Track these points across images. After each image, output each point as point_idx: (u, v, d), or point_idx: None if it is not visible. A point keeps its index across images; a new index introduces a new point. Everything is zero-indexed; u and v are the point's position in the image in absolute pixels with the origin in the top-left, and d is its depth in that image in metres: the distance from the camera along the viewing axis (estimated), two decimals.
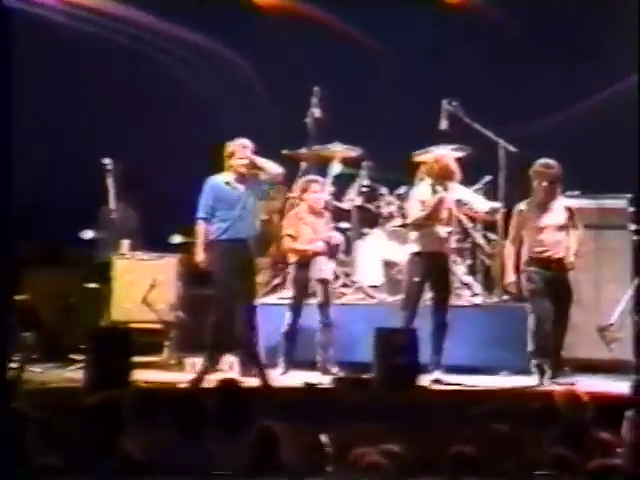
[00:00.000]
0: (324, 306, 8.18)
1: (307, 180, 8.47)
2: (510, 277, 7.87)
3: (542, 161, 7.87)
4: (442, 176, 7.95)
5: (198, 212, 7.80)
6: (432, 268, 7.91)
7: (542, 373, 7.71)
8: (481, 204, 8.19)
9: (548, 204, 7.88)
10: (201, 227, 7.78)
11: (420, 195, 8.02)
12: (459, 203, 8.08)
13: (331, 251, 8.34)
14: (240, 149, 7.78)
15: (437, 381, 7.77)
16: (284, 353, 8.15)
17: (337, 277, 8.79)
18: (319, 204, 8.32)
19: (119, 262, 8.87)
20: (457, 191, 8.06)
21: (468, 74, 9.85)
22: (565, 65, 9.90)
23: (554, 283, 7.79)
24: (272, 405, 6.49)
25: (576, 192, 8.61)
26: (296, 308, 8.19)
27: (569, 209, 7.96)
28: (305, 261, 8.21)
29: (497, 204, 8.40)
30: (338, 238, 8.53)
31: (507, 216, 8.78)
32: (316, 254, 8.20)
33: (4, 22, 7.44)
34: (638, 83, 9.21)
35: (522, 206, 7.94)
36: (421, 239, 7.95)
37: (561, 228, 7.87)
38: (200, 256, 7.76)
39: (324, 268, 8.21)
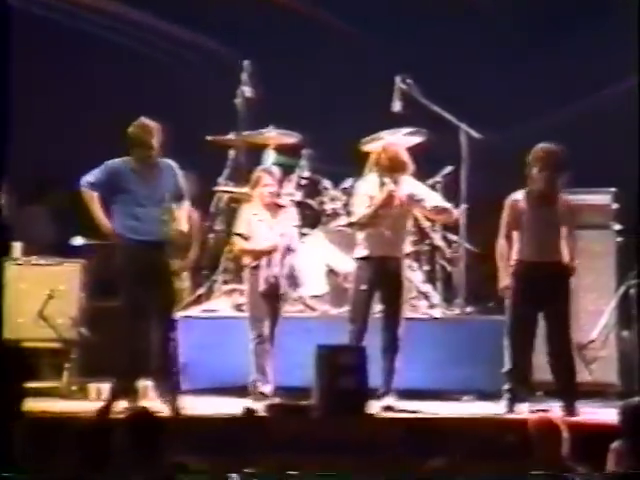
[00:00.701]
0: (272, 315, 8.15)
1: (258, 171, 8.48)
2: (506, 280, 7.78)
3: (544, 145, 7.78)
4: (391, 167, 7.95)
5: (82, 180, 7.69)
6: (382, 275, 7.92)
7: (513, 398, 7.75)
8: (436, 201, 8.18)
9: (548, 197, 7.79)
10: (90, 194, 7.67)
11: (367, 189, 8.02)
12: (411, 199, 8.06)
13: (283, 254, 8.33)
14: (147, 132, 7.68)
15: (389, 408, 7.78)
16: (260, 372, 8.06)
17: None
18: (271, 198, 8.31)
19: (10, 268, 8.78)
20: (409, 185, 8.06)
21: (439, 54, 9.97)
22: (565, 65, 10.09)
23: (550, 291, 7.70)
24: (193, 438, 6.49)
25: None
26: (258, 318, 8.14)
27: (568, 205, 7.90)
28: (260, 262, 8.20)
29: (449, 205, 8.36)
30: (288, 239, 8.44)
31: (471, 214, 8.86)
32: (273, 253, 8.19)
33: None
34: (638, 83, 9.39)
35: (517, 196, 7.84)
36: (369, 241, 7.94)
37: (561, 226, 7.80)
38: (105, 223, 7.65)
39: (278, 266, 8.19)
